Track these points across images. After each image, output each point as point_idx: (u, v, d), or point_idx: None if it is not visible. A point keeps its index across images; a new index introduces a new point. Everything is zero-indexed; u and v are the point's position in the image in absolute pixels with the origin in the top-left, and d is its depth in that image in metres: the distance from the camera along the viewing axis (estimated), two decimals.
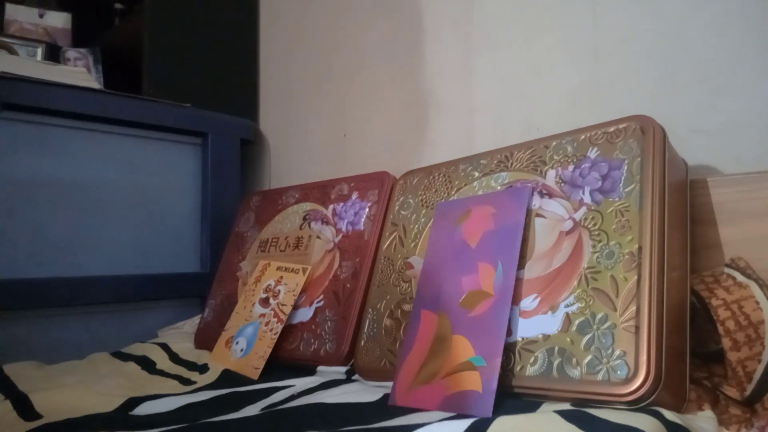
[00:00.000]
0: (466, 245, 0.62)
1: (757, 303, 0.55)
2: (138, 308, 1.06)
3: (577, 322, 0.52)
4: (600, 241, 0.54)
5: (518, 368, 0.53)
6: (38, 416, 0.58)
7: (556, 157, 0.63)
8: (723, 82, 0.68)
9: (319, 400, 0.58)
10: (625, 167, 0.56)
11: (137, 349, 0.89)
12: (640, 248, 0.51)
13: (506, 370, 0.53)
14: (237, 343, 0.80)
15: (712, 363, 0.57)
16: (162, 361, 0.83)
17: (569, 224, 0.57)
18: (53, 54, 1.44)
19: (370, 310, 0.73)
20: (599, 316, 0.51)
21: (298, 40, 1.30)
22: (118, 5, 1.57)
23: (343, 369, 0.71)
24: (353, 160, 1.14)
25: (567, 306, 0.53)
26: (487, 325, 0.54)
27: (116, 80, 1.38)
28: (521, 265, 0.58)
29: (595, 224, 0.55)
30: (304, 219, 0.91)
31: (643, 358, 0.46)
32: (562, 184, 0.60)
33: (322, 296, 0.80)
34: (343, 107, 1.17)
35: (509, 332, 0.55)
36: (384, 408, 0.56)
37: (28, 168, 0.96)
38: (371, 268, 0.77)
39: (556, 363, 0.51)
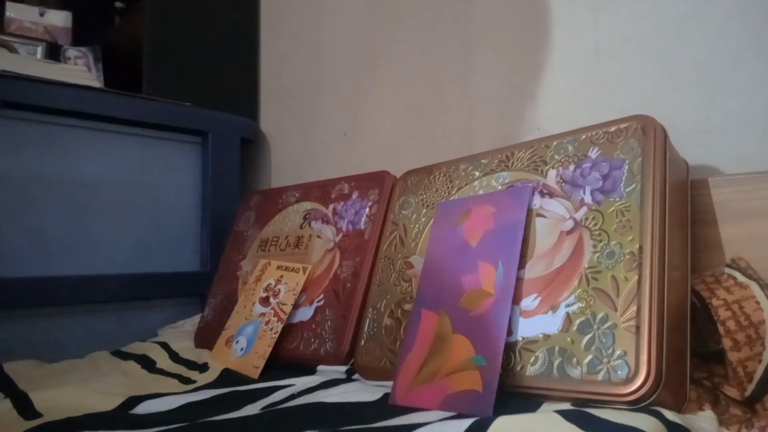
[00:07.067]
0: (466, 245, 0.62)
1: (758, 303, 0.55)
2: (138, 307, 1.06)
3: (577, 321, 0.52)
4: (601, 241, 0.54)
5: (519, 368, 0.53)
6: (38, 415, 0.58)
7: (556, 157, 0.63)
8: (723, 81, 0.68)
9: (319, 400, 0.58)
10: (626, 167, 0.56)
11: (137, 347, 0.89)
12: (640, 248, 0.51)
13: (506, 370, 0.53)
14: (237, 342, 0.80)
15: (712, 363, 0.57)
16: (162, 360, 0.83)
17: (570, 224, 0.57)
18: (53, 52, 1.45)
19: (370, 309, 0.73)
20: (600, 315, 0.51)
21: (299, 39, 1.30)
22: (118, 4, 1.57)
23: (343, 368, 0.71)
24: (354, 159, 1.14)
25: (567, 306, 0.53)
26: (487, 325, 0.54)
27: (116, 79, 1.38)
28: (522, 265, 0.58)
29: (595, 224, 0.55)
30: (305, 218, 0.91)
31: (644, 358, 0.46)
32: (563, 184, 0.60)
33: (322, 295, 0.80)
34: (344, 106, 1.17)
35: (510, 332, 0.55)
36: (384, 407, 0.56)
37: (29, 167, 0.96)
38: (371, 268, 0.77)
39: (556, 363, 0.51)
